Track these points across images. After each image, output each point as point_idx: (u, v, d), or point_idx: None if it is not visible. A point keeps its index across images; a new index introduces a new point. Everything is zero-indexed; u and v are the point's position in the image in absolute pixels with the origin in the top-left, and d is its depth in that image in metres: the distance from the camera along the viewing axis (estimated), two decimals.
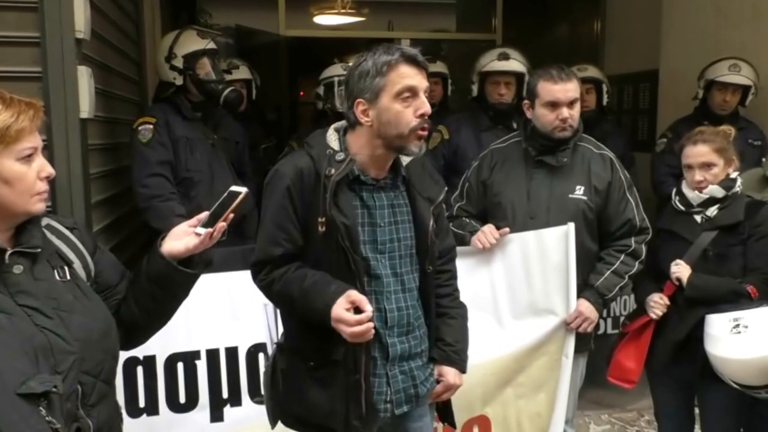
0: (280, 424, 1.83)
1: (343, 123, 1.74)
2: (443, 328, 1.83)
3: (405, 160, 1.74)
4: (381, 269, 1.69)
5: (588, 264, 2.42)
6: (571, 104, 2.33)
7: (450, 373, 1.82)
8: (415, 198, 1.74)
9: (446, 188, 1.84)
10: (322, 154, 1.65)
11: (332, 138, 1.70)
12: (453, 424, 1.96)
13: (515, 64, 3.29)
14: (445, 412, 1.92)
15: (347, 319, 1.55)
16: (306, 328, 1.69)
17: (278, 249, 1.66)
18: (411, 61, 1.61)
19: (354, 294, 1.57)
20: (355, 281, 1.64)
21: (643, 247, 2.40)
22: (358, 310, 1.56)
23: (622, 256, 2.39)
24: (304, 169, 1.64)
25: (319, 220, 1.60)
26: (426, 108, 1.63)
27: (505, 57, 3.32)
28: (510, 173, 2.47)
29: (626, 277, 2.38)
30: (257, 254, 1.70)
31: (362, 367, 1.65)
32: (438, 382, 1.83)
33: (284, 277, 1.67)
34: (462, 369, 1.85)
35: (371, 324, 1.56)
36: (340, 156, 1.64)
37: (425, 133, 1.65)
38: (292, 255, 1.67)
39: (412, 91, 1.61)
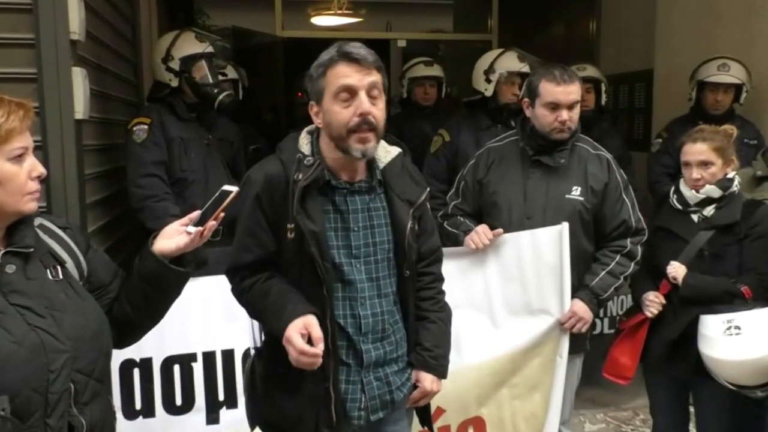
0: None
1: (315, 125, 1.71)
2: (422, 332, 1.78)
3: (382, 162, 1.71)
4: (355, 274, 1.65)
5: (584, 264, 2.41)
6: (571, 106, 2.32)
7: (427, 379, 1.77)
8: (392, 200, 1.69)
9: (428, 189, 1.80)
10: (291, 159, 1.62)
11: (304, 142, 1.67)
12: (431, 428, 1.92)
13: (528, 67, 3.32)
14: (423, 415, 1.89)
15: (294, 343, 1.51)
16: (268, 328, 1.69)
17: (249, 255, 1.66)
18: (348, 58, 1.55)
19: (311, 323, 1.54)
20: (322, 288, 1.61)
21: (639, 248, 2.40)
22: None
23: (618, 257, 2.38)
24: (273, 175, 1.62)
25: (288, 226, 1.58)
26: (364, 107, 1.55)
27: (522, 60, 3.34)
28: (506, 172, 2.46)
29: (621, 277, 2.38)
30: (230, 261, 1.70)
31: (331, 375, 1.62)
32: (416, 387, 1.78)
33: (253, 288, 1.66)
34: (441, 375, 1.79)
35: (318, 358, 1.53)
36: (309, 161, 1.61)
37: (366, 135, 1.57)
38: (263, 261, 1.66)
39: (350, 91, 1.55)
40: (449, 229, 2.51)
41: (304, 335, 1.53)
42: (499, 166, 2.49)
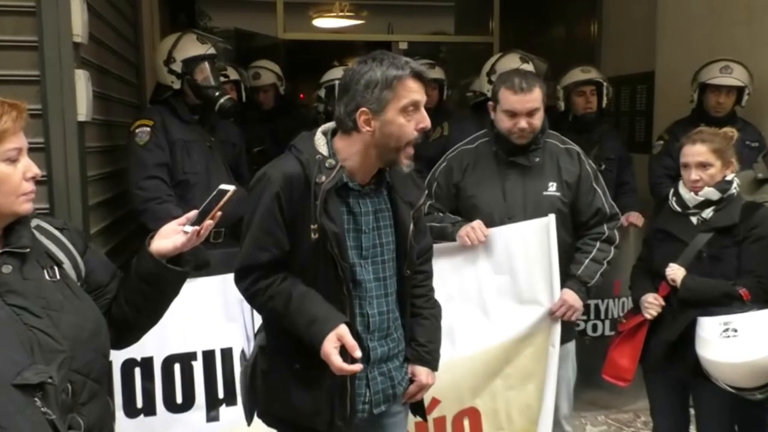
0: (261, 423, 1.85)
1: (330, 126, 1.74)
2: (416, 328, 1.86)
3: None
4: (364, 275, 1.71)
5: (565, 256, 2.45)
6: (530, 113, 2.35)
7: (423, 373, 1.85)
8: (396, 203, 1.75)
9: (426, 192, 1.87)
10: (311, 160, 1.65)
11: (320, 142, 1.70)
12: (424, 417, 1.99)
13: (531, 67, 3.32)
14: (417, 407, 1.94)
15: (333, 363, 1.57)
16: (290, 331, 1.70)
17: (265, 255, 1.66)
18: (418, 77, 1.64)
19: (344, 334, 1.58)
20: (342, 288, 1.65)
21: (616, 233, 2.48)
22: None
23: (598, 243, 2.45)
24: (294, 175, 1.64)
25: (312, 227, 1.61)
26: (427, 122, 1.66)
27: (526, 61, 3.36)
28: (483, 175, 2.50)
29: (605, 262, 2.44)
30: (243, 259, 1.70)
31: None
32: (411, 381, 1.85)
33: (270, 289, 1.67)
34: (434, 368, 1.87)
35: (359, 368, 1.59)
36: (330, 163, 1.64)
37: (412, 152, 1.67)
38: (279, 261, 1.67)
39: (416, 106, 1.65)
40: (431, 224, 2.53)
41: (337, 347, 1.58)
42: (474, 170, 2.52)
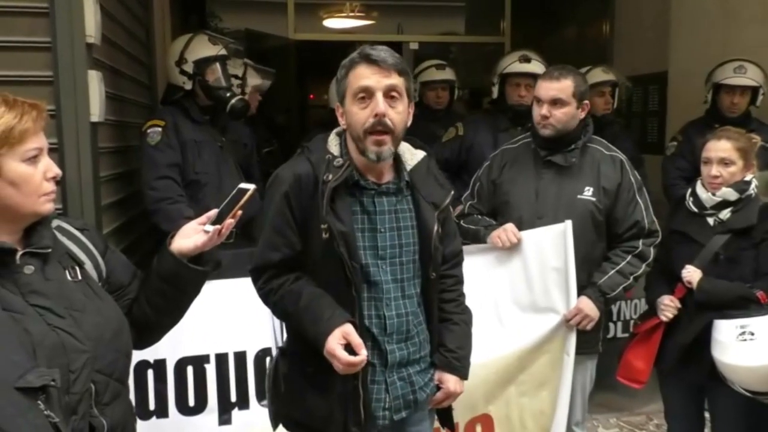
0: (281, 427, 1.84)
1: (344, 127, 1.73)
2: (445, 333, 1.80)
3: (409, 165, 1.73)
4: (381, 275, 1.67)
5: (596, 265, 2.42)
6: (553, 103, 2.34)
7: (450, 381, 1.79)
8: (419, 203, 1.71)
9: (452, 192, 1.81)
10: (321, 160, 1.64)
11: (333, 143, 1.70)
12: (452, 428, 1.94)
13: (536, 66, 3.29)
14: (445, 416, 1.90)
15: (339, 357, 1.54)
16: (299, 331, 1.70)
17: (276, 254, 1.66)
18: (368, 60, 1.58)
19: (350, 332, 1.57)
20: (351, 288, 1.63)
21: (652, 250, 2.40)
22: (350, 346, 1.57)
23: (629, 257, 2.39)
24: (303, 175, 1.63)
25: (322, 227, 1.59)
26: (378, 108, 1.57)
27: (526, 59, 3.34)
28: (519, 173, 2.48)
29: (631, 277, 2.38)
30: (257, 260, 1.71)
31: (359, 373, 1.63)
32: (438, 387, 1.80)
33: (282, 288, 1.67)
34: (463, 376, 1.82)
35: (363, 362, 1.56)
36: (338, 162, 1.63)
37: (381, 137, 1.59)
38: (290, 260, 1.67)
39: (367, 92, 1.58)
40: (467, 226, 2.53)
41: (344, 346, 1.55)
42: (512, 167, 2.51)
